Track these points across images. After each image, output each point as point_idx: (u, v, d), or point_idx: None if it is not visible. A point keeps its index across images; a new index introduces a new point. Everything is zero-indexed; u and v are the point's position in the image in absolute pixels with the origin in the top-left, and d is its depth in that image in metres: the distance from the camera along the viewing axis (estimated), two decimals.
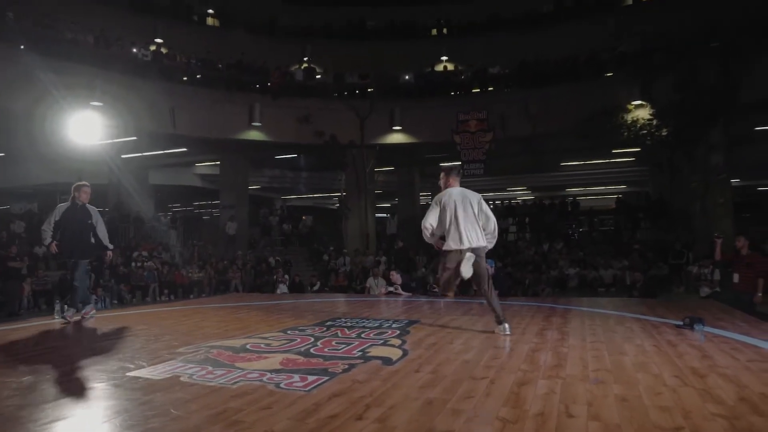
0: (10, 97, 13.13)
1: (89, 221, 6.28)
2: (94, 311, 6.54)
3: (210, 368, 3.51)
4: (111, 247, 6.63)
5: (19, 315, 10.67)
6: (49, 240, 6.13)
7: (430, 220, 4.89)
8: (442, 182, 5.13)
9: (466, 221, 4.78)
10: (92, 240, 6.33)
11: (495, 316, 4.84)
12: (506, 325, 4.72)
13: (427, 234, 4.94)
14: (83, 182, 6.42)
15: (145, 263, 14.69)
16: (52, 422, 2.49)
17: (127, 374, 3.40)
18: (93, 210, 6.39)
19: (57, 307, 6.68)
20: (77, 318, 6.11)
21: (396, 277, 9.36)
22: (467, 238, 4.75)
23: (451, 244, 4.80)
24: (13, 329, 5.61)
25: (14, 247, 12.88)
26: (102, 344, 4.57)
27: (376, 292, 9.40)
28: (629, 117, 15.02)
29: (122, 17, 17.76)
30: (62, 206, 6.30)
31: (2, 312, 10.92)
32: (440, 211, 4.88)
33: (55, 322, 6.05)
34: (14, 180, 22.19)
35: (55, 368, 3.62)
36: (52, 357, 4.01)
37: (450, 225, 4.80)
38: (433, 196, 25.21)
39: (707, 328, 4.79)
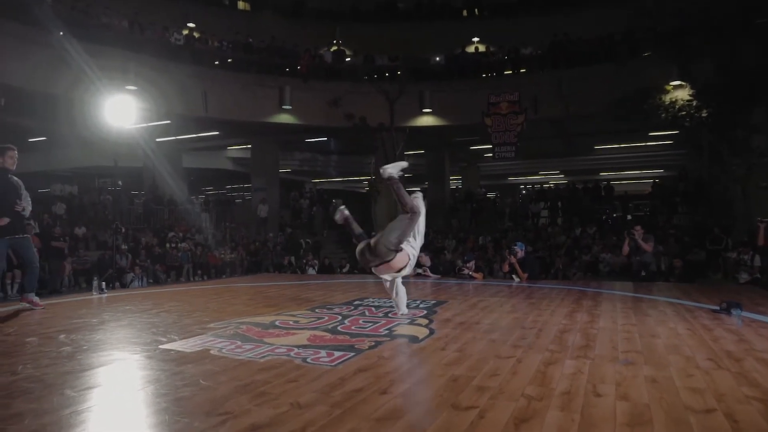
0: (50, 82, 13.51)
1: (21, 192, 5.37)
2: None
3: (239, 343, 3.59)
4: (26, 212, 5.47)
5: (60, 292, 11.07)
6: None
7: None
8: None
9: None
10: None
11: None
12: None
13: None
14: (8, 145, 5.32)
15: (179, 244, 15.03)
16: (89, 389, 2.58)
17: (160, 347, 3.49)
18: (18, 180, 5.43)
19: (95, 284, 6.92)
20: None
21: (425, 259, 9.34)
22: None
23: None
24: (54, 303, 5.83)
25: (58, 228, 13.32)
26: (137, 319, 4.70)
27: None
28: (667, 98, 14.51)
29: (155, 2, 18.02)
30: None
31: (45, 289, 11.35)
32: None
33: (93, 298, 6.26)
34: (55, 163, 22.95)
35: (91, 340, 3.75)
36: (89, 330, 4.15)
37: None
38: (464, 180, 24.82)
39: (745, 313, 4.65)
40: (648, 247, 8.21)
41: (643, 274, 8.23)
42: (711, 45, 13.42)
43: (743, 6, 13.51)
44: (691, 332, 3.92)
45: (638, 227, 8.48)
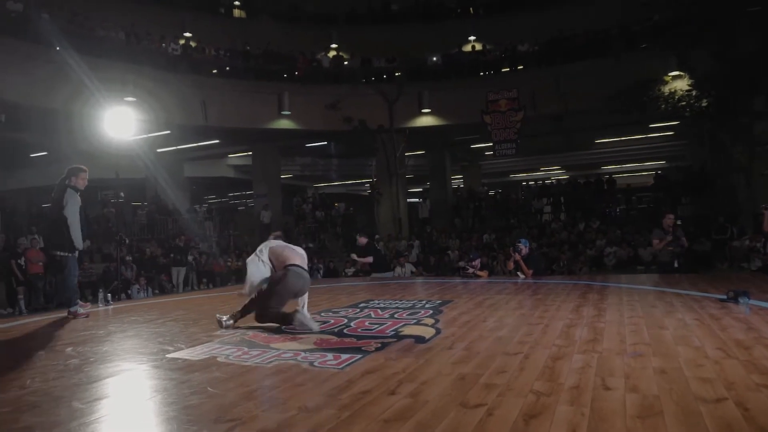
0: (49, 96, 13.54)
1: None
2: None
3: (246, 349, 3.58)
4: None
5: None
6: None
7: None
8: None
9: None
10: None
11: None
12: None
13: None
14: (81, 166, 6.10)
15: None
16: (97, 400, 2.57)
17: (167, 356, 3.49)
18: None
19: (101, 296, 6.93)
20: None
21: (362, 240, 9.63)
22: None
23: None
24: (60, 317, 5.83)
25: None
26: (143, 329, 4.70)
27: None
28: (666, 89, 14.46)
29: (151, 12, 18.09)
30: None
31: (52, 303, 11.38)
32: None
33: (99, 310, 6.27)
34: (56, 177, 22.50)
35: (99, 352, 3.75)
36: (96, 342, 4.15)
37: None
38: (465, 179, 24.69)
39: (753, 301, 4.61)
40: (683, 241, 8.21)
41: (676, 265, 8.11)
42: (708, 33, 13.37)
43: None
44: (698, 322, 3.89)
45: (670, 215, 8.39)
